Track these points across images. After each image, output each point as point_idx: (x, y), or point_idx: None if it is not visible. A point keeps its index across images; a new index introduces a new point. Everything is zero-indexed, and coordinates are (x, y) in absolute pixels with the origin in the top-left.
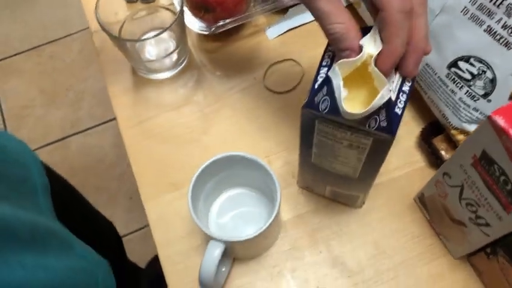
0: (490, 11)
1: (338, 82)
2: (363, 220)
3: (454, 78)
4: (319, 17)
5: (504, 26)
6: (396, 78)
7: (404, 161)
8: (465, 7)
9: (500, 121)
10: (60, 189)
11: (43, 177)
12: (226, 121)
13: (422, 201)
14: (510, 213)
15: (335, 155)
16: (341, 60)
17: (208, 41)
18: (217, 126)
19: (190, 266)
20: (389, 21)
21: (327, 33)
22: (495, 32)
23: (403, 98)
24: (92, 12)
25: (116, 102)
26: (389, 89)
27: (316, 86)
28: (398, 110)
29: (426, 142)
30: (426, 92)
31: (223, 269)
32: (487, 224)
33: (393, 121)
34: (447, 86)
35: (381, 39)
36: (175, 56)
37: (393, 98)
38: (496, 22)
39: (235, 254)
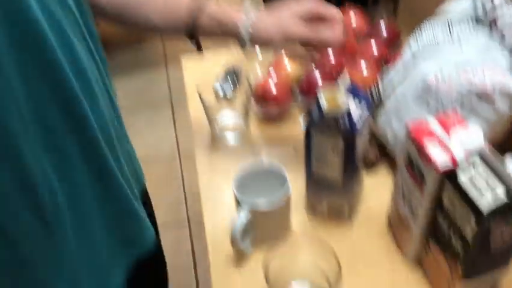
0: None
1: (322, 101)
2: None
3: None
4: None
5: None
6: (354, 104)
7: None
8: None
9: (409, 126)
10: None
11: None
12: None
13: (390, 223)
14: (423, 192)
15: (324, 160)
16: (323, 89)
17: (261, 122)
18: None
19: None
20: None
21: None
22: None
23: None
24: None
25: None
26: (346, 96)
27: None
28: (355, 120)
29: None
30: None
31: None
32: (415, 213)
33: (353, 124)
34: None
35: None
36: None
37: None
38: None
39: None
